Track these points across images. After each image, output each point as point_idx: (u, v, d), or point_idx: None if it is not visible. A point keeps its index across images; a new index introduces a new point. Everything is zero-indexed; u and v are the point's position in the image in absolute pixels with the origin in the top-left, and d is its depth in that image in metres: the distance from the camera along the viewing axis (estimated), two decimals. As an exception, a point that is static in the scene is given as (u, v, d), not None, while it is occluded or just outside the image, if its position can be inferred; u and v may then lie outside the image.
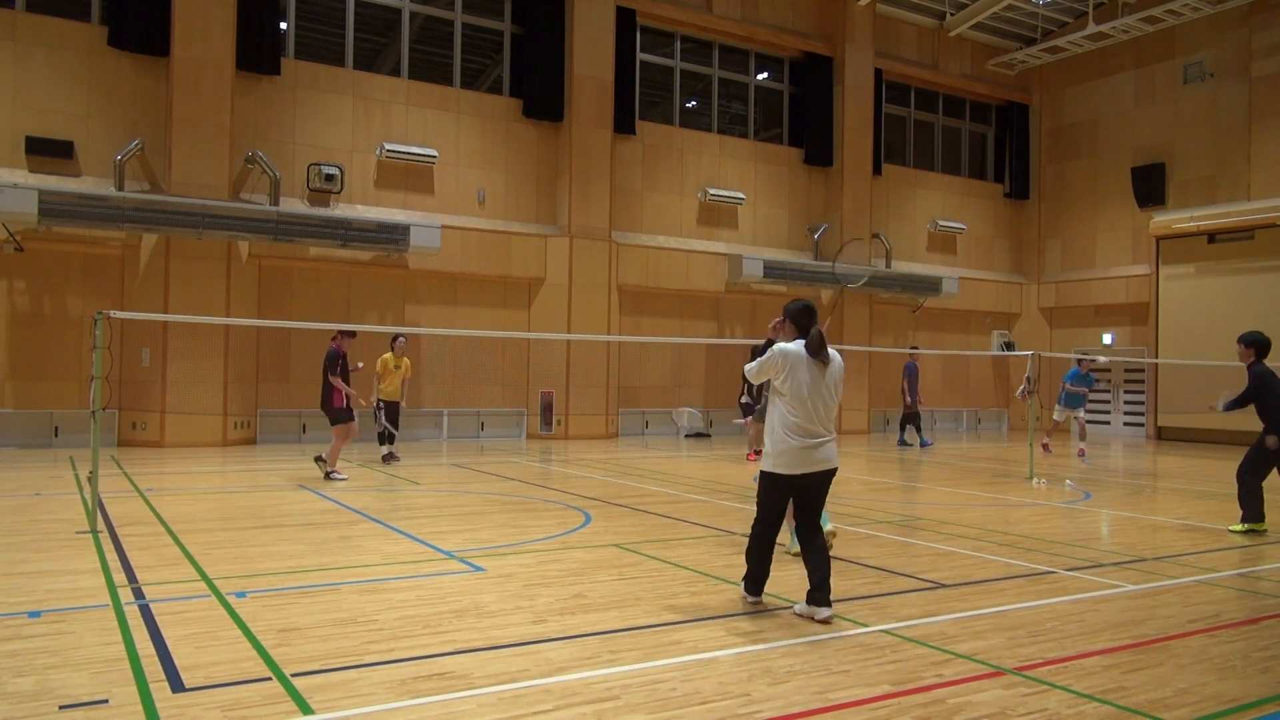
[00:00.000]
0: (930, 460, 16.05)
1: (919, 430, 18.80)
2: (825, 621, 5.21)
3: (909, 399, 18.60)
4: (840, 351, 5.80)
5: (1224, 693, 4.22)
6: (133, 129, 15.40)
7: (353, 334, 11.99)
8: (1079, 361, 16.45)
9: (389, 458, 13.50)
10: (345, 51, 17.59)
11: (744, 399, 15.06)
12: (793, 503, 5.67)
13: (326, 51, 17.58)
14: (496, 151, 18.78)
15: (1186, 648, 4.92)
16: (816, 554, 5.38)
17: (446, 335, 17.53)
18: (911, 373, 18.75)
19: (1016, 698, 4.09)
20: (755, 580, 5.63)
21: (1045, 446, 16.66)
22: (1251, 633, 5.25)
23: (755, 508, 5.68)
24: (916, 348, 19.40)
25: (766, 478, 5.50)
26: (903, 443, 18.81)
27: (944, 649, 4.78)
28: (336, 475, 11.38)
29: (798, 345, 5.45)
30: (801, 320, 5.53)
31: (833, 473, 5.51)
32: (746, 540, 5.72)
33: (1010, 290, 25.58)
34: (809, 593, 5.33)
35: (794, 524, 6.91)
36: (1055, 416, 16.79)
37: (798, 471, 5.37)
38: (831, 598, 5.33)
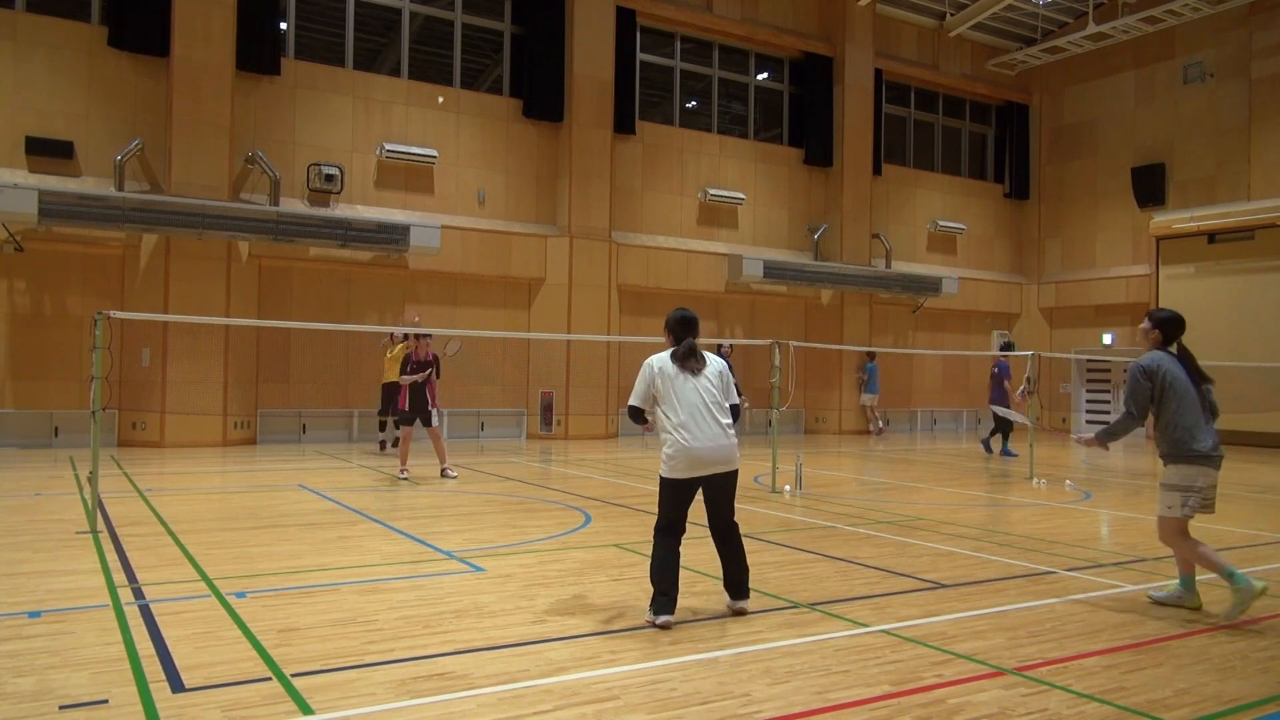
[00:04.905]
0: (930, 460, 16.04)
1: (1005, 438, 16.71)
2: (739, 612, 5.36)
3: (1015, 396, 16.63)
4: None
5: (1224, 693, 4.22)
6: (133, 129, 15.40)
7: (417, 334, 11.62)
8: (871, 355, 20.98)
9: (384, 444, 13.31)
10: (345, 51, 17.58)
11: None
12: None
13: (326, 52, 17.58)
14: (496, 151, 18.77)
15: (1186, 648, 4.92)
16: (727, 550, 5.50)
17: (446, 335, 17.49)
18: (1003, 372, 17.00)
19: (1016, 698, 4.09)
20: (664, 596, 5.17)
21: (880, 432, 21.11)
22: (1251, 633, 5.25)
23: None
24: (1007, 353, 17.58)
25: (662, 482, 5.43)
26: (1007, 453, 16.53)
27: (944, 649, 4.78)
28: (401, 474, 11.43)
29: (664, 356, 5.51)
30: (675, 330, 5.59)
31: (733, 475, 5.44)
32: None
33: (1010, 290, 25.57)
34: (726, 587, 5.49)
35: (1188, 574, 5.81)
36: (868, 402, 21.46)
37: (688, 476, 5.33)
38: (752, 590, 5.56)
